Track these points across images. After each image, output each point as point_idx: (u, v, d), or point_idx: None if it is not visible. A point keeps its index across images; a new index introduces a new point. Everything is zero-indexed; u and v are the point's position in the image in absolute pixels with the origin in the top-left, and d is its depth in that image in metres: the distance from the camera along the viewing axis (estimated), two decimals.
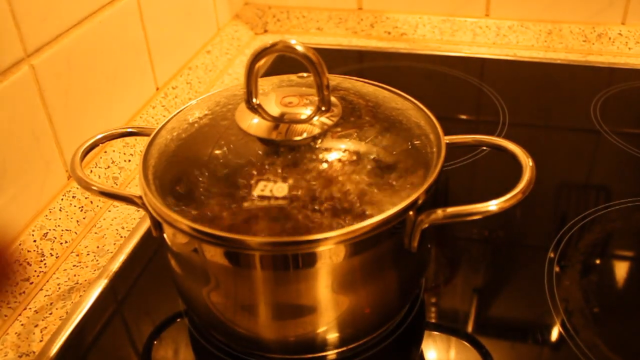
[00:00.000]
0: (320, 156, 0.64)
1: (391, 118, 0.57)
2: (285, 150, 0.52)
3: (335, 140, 0.51)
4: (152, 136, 0.55)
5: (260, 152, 0.52)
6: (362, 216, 0.55)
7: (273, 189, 0.58)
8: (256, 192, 0.58)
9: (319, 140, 0.51)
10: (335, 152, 0.52)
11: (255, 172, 0.62)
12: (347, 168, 0.61)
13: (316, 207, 0.54)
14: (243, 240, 0.44)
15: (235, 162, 0.52)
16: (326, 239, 0.44)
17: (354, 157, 0.62)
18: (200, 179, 0.60)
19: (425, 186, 0.47)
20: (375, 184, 0.58)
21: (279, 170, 0.60)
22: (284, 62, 1.02)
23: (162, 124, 0.55)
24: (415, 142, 0.55)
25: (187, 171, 0.61)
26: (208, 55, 0.96)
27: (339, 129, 0.51)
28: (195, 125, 0.58)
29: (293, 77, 0.60)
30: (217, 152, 0.63)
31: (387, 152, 0.61)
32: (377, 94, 0.59)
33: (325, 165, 0.61)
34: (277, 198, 0.57)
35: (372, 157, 0.62)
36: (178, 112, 0.57)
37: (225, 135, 0.53)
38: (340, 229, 0.52)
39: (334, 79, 0.60)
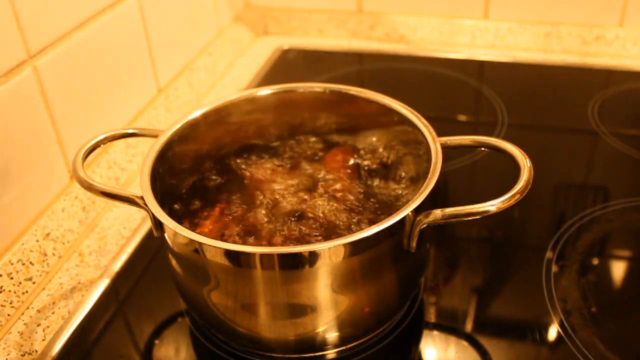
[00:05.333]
0: (320, 158, 0.64)
1: (390, 124, 0.58)
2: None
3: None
4: (156, 138, 0.55)
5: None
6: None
7: (275, 189, 0.59)
8: (258, 194, 0.58)
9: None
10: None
11: (257, 175, 0.62)
12: (348, 169, 0.62)
13: (319, 210, 0.55)
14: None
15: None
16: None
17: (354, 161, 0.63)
18: (202, 181, 0.61)
19: (423, 188, 0.47)
20: (374, 186, 0.59)
21: (282, 172, 0.61)
22: (286, 65, 1.03)
23: (167, 128, 0.56)
24: (414, 145, 0.55)
25: (189, 173, 0.61)
26: (209, 57, 0.96)
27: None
28: (199, 129, 0.59)
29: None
30: (220, 155, 0.64)
31: (387, 155, 0.62)
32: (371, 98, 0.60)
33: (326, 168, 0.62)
34: (278, 198, 0.58)
35: (371, 159, 0.62)
36: (183, 119, 0.57)
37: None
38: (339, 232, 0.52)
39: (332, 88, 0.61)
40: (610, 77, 0.94)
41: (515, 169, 0.48)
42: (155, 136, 0.56)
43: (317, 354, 0.53)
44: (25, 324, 0.58)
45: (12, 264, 0.59)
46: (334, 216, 0.54)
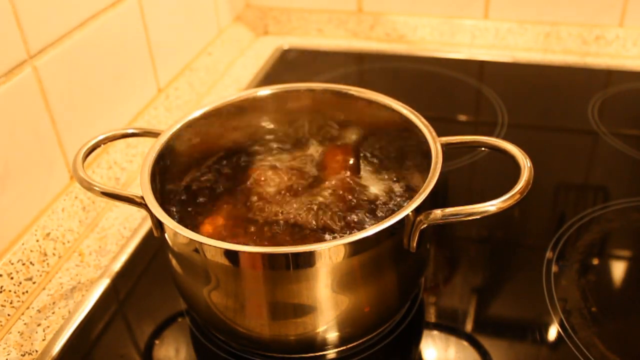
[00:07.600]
0: (322, 159, 0.64)
1: (390, 124, 0.58)
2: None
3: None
4: (156, 138, 0.55)
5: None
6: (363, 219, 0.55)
7: (275, 189, 0.59)
8: (258, 194, 0.58)
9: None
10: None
11: (257, 175, 0.62)
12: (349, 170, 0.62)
13: (319, 210, 0.55)
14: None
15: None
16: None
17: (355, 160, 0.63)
18: (202, 181, 0.61)
19: (423, 188, 0.47)
20: (375, 185, 0.59)
21: (283, 172, 0.61)
22: (286, 65, 1.03)
23: (167, 129, 0.56)
24: (414, 146, 0.55)
25: (189, 173, 0.61)
26: (209, 57, 0.96)
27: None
28: (199, 129, 0.59)
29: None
30: (220, 155, 0.64)
31: (387, 155, 0.62)
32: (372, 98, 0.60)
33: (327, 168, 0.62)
34: (279, 198, 0.58)
35: (372, 159, 0.62)
36: (183, 119, 0.57)
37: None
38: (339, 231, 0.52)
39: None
40: (610, 77, 0.94)
41: (515, 169, 0.48)
42: (155, 136, 0.56)
43: (317, 354, 0.53)
44: (25, 324, 0.58)
45: (12, 263, 0.59)
46: (334, 216, 0.54)
